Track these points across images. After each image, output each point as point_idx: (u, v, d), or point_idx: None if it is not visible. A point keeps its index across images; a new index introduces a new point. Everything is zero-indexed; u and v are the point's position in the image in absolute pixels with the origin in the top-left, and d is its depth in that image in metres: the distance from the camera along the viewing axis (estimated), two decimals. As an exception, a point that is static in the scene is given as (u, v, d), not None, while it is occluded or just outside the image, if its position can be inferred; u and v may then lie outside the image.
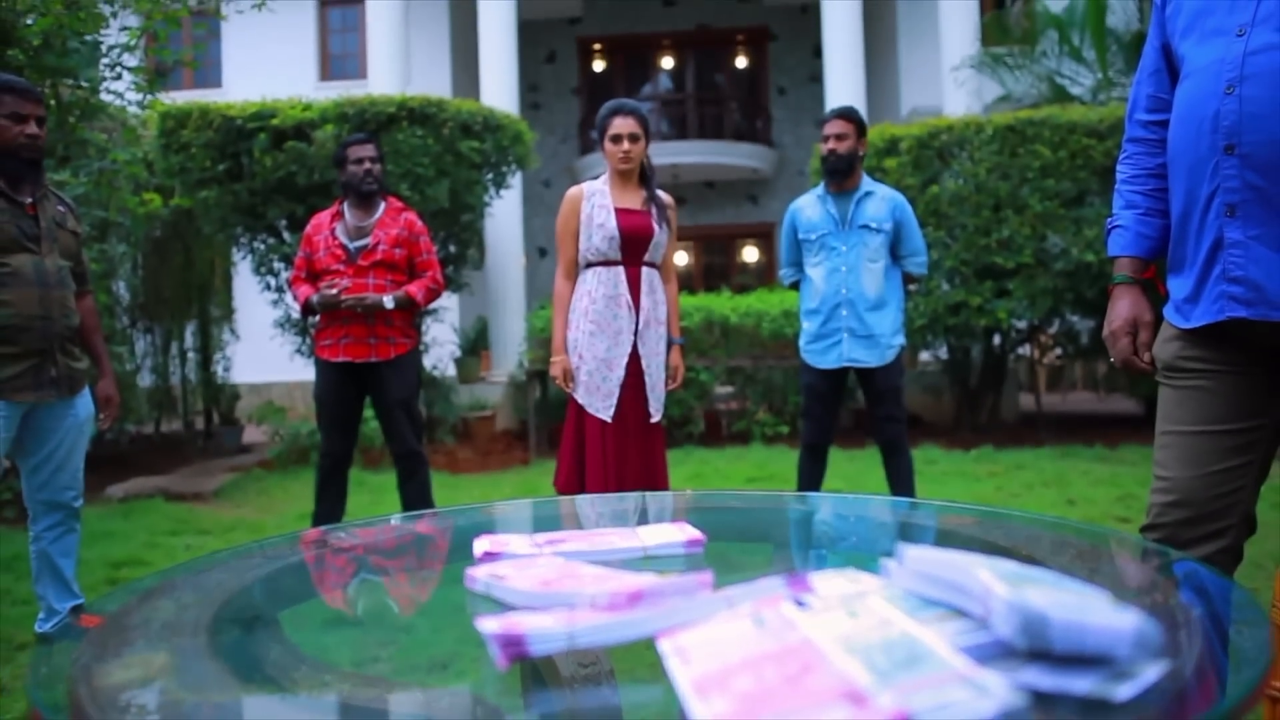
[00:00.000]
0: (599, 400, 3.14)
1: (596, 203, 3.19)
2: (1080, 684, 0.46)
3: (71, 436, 2.88)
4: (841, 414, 7.75)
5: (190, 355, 8.60)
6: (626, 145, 3.16)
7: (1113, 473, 5.67)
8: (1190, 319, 1.52)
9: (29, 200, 2.77)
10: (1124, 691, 0.46)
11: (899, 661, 0.45)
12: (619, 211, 3.16)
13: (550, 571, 0.69)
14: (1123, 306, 1.66)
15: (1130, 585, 0.83)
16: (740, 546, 1.16)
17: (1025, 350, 8.73)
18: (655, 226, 3.18)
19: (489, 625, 0.53)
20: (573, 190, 3.27)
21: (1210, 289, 1.47)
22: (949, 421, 8.15)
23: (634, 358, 3.15)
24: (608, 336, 3.14)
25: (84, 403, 2.92)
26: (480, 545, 0.82)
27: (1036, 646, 0.48)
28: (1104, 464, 6.10)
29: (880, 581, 0.61)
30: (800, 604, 0.55)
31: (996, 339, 7.72)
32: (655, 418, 3.19)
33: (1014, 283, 6.83)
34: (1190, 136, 1.47)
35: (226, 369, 8.72)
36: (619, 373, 3.13)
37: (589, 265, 3.19)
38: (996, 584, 0.50)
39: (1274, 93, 1.35)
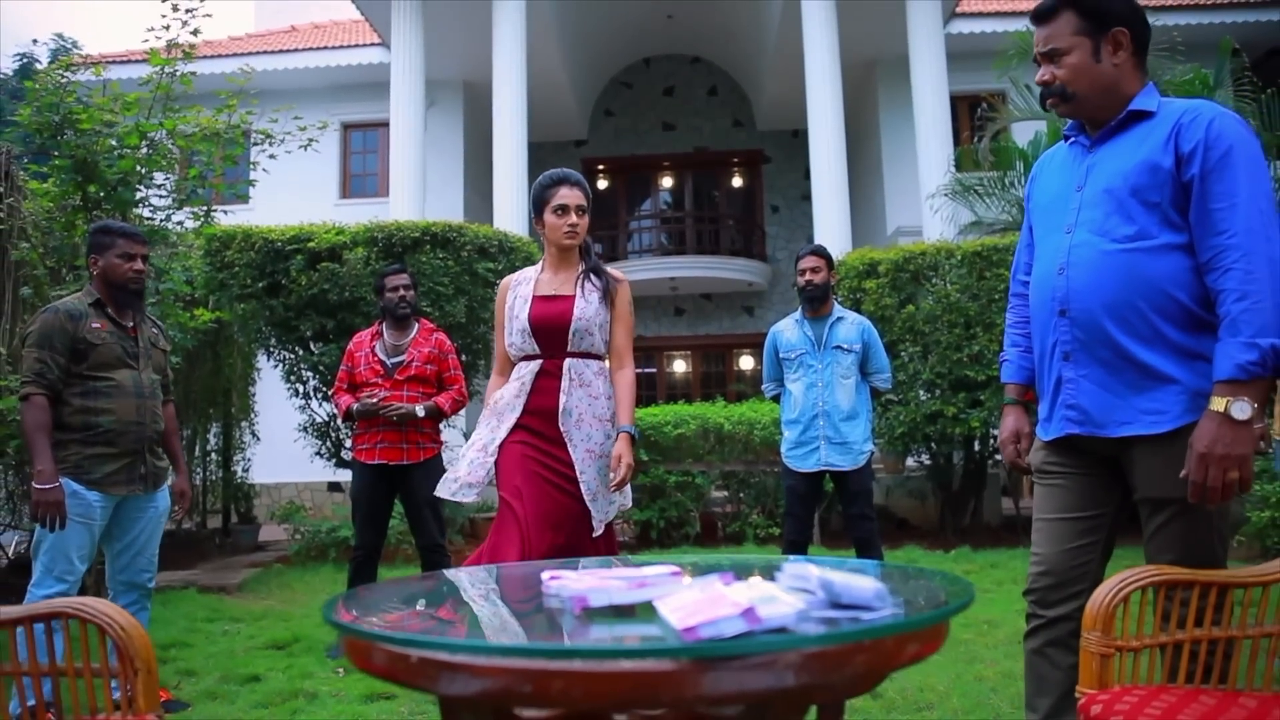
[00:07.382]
0: (455, 485, 2.78)
1: (519, 293, 2.92)
2: (851, 614, 0.97)
3: (152, 525, 3.36)
4: (830, 518, 8.18)
5: (213, 455, 9.08)
6: (574, 218, 2.85)
7: (1079, 572, 6.04)
8: (1047, 433, 2.04)
9: (131, 324, 3.33)
10: (871, 617, 0.97)
11: (763, 599, 0.96)
12: (537, 300, 2.86)
13: (593, 581, 1.19)
14: (1009, 422, 2.21)
15: (907, 581, 1.35)
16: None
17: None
18: (577, 311, 2.81)
19: (566, 593, 1.04)
20: (503, 280, 3.02)
21: (1057, 412, 2.00)
22: (934, 525, 8.54)
23: (563, 463, 2.76)
24: (496, 420, 2.83)
25: (163, 496, 3.41)
26: (545, 575, 1.32)
27: (833, 599, 0.99)
28: (1073, 564, 6.47)
29: (772, 581, 1.12)
30: (724, 584, 1.06)
31: (976, 446, 8.19)
32: (598, 531, 2.77)
33: (985, 394, 7.35)
34: (1039, 302, 2.03)
35: (246, 469, 9.18)
36: (491, 458, 2.78)
37: (517, 361, 2.89)
38: (818, 574, 1.02)
39: (1088, 275, 1.90)
